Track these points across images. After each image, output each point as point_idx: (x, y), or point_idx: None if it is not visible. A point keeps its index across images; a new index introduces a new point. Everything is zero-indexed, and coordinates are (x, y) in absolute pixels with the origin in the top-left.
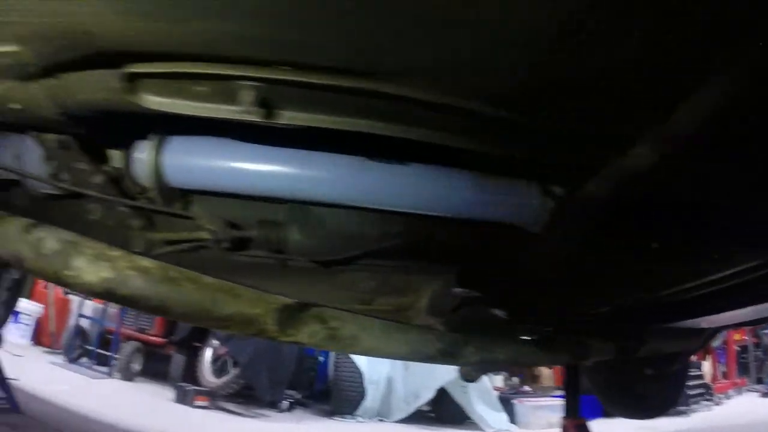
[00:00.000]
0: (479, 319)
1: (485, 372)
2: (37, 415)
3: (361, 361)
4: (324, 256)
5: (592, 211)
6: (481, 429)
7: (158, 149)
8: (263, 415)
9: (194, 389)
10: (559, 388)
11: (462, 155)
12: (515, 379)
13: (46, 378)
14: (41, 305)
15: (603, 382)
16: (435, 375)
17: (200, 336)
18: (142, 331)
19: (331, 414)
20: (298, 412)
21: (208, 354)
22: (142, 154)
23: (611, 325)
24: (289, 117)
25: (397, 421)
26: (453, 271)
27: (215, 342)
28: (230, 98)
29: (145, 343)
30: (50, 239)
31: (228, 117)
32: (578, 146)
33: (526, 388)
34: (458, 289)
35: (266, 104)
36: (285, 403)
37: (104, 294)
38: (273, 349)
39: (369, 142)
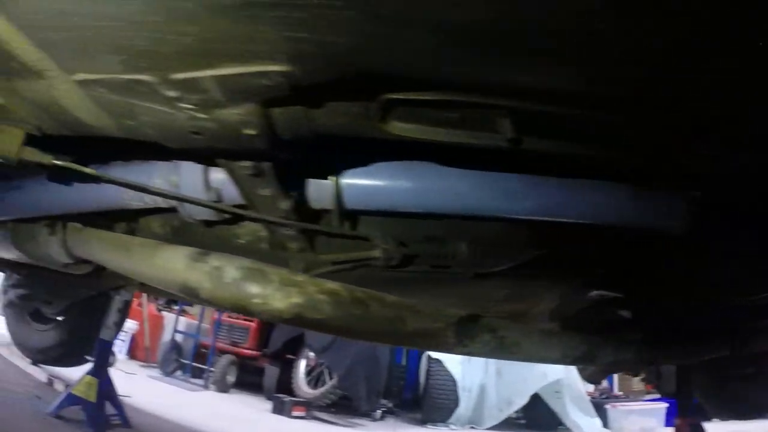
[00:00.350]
0: (607, 320)
1: (610, 373)
2: (147, 429)
3: (453, 368)
4: (483, 268)
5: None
6: None
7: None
8: (358, 425)
9: (291, 400)
10: (650, 392)
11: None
12: (605, 384)
13: (147, 391)
14: (136, 321)
15: (704, 381)
16: (528, 381)
17: (293, 349)
18: (235, 344)
19: (423, 422)
20: (391, 421)
21: (302, 366)
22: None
23: (724, 323)
24: (528, 142)
25: (488, 428)
26: (584, 275)
27: (310, 354)
28: (485, 126)
29: (239, 356)
30: (229, 268)
31: (481, 144)
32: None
33: (617, 392)
34: (594, 292)
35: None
36: (378, 413)
37: (293, 319)
38: (369, 358)
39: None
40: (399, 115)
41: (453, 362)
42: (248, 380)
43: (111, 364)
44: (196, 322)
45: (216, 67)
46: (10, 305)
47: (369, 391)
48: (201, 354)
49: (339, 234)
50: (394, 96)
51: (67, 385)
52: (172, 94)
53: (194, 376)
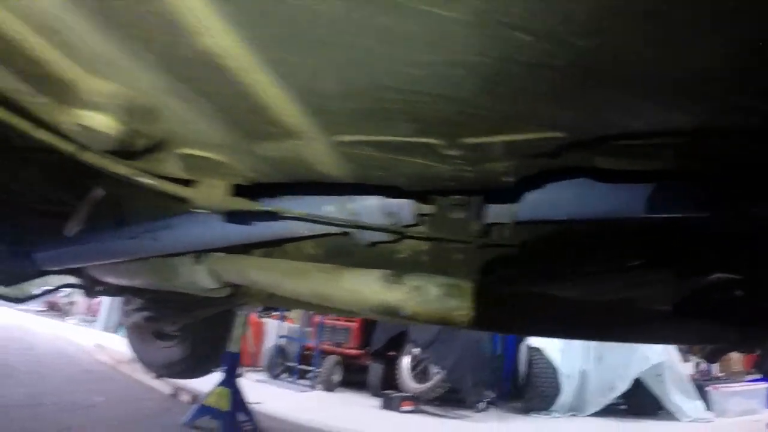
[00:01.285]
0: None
1: (724, 354)
2: (273, 430)
3: (553, 355)
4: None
5: None
6: (676, 419)
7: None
8: (465, 416)
9: (400, 395)
10: (749, 373)
11: None
12: (704, 366)
13: (258, 395)
14: None
15: None
16: (630, 365)
17: (396, 346)
18: (339, 345)
19: (525, 411)
20: (493, 412)
21: (406, 362)
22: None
23: None
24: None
25: (590, 415)
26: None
27: (414, 350)
28: (658, 155)
29: (342, 355)
30: (430, 286)
31: (648, 168)
32: None
33: (718, 373)
34: (715, 276)
35: None
36: (482, 404)
37: (486, 325)
38: (473, 350)
39: None
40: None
41: (553, 349)
42: (352, 379)
43: (240, 375)
44: (296, 326)
45: (506, 134)
46: (135, 327)
47: (475, 383)
48: (304, 356)
49: (508, 245)
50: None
51: (194, 396)
52: (453, 153)
53: (300, 378)
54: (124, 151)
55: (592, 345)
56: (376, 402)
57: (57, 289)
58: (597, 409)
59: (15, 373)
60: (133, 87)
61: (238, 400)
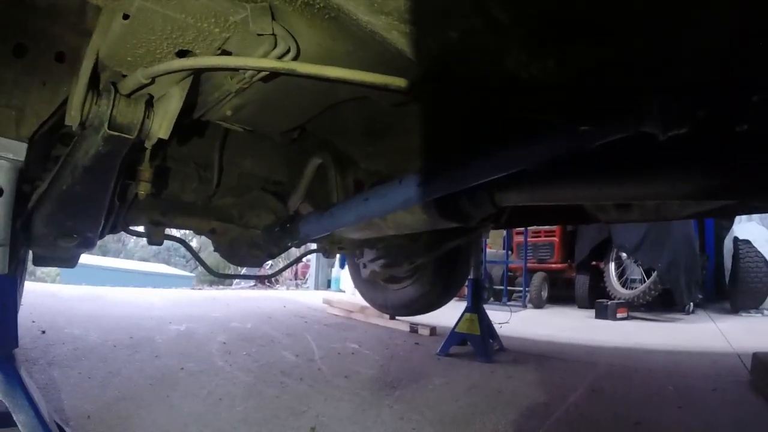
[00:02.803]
0: None
1: None
2: (521, 349)
3: (763, 248)
4: None
5: None
6: None
7: None
8: (677, 319)
9: (615, 303)
10: None
11: None
12: None
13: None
14: None
15: None
16: None
17: (600, 254)
18: (542, 261)
19: (735, 311)
20: (701, 313)
21: (612, 269)
22: None
23: None
24: None
25: None
26: None
27: (622, 255)
28: None
29: (547, 271)
30: None
31: None
32: None
33: None
34: None
35: None
36: (690, 306)
37: None
38: (685, 248)
39: None
40: None
41: (762, 242)
42: (558, 294)
43: (486, 300)
44: (493, 250)
45: None
46: (370, 276)
47: (688, 283)
48: (510, 277)
49: None
50: None
51: (431, 329)
52: None
53: (509, 300)
54: None
55: None
56: (587, 313)
57: (301, 257)
58: None
59: (277, 331)
60: None
61: (485, 324)
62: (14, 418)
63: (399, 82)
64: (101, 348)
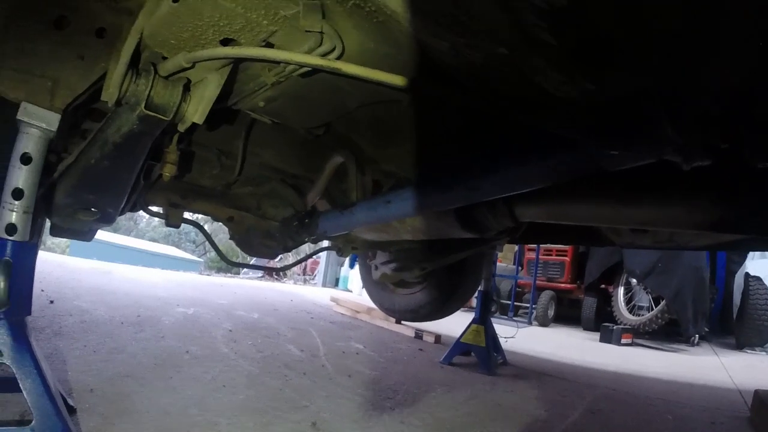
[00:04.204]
0: None
1: None
2: (523, 365)
3: None
4: None
5: None
6: None
7: None
8: (681, 350)
9: (620, 328)
10: None
11: None
12: None
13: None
14: None
15: None
16: None
17: (610, 278)
18: (552, 280)
19: (739, 347)
20: (705, 346)
21: (620, 294)
22: None
23: None
24: None
25: None
26: None
27: (632, 280)
28: None
29: (556, 290)
30: None
31: None
32: None
33: None
34: None
35: None
36: (695, 338)
37: None
38: (695, 279)
39: None
40: None
41: None
42: (565, 313)
43: (493, 313)
44: (504, 264)
45: None
46: (381, 278)
47: (696, 314)
48: (517, 293)
49: None
50: None
51: (436, 336)
52: None
53: (515, 315)
54: None
55: None
56: (592, 335)
57: (314, 254)
58: None
59: (283, 324)
60: None
61: (491, 336)
62: (20, 385)
63: (397, 80)
64: (108, 323)
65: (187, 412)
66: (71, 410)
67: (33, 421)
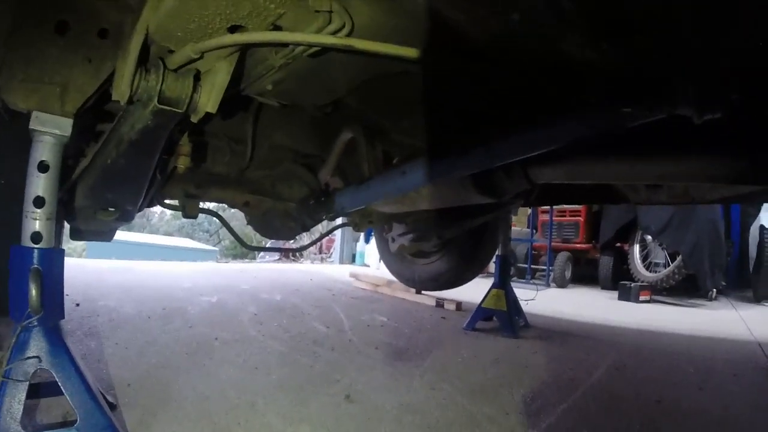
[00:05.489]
0: None
1: None
2: (545, 326)
3: None
4: None
5: None
6: None
7: None
8: (699, 305)
9: (638, 285)
10: None
11: None
12: None
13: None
14: None
15: None
16: None
17: (625, 236)
18: (567, 241)
19: (757, 300)
20: (723, 300)
21: (637, 251)
22: None
23: None
24: None
25: None
26: None
27: (647, 237)
28: None
29: (572, 251)
30: None
31: None
32: None
33: None
34: None
35: None
36: (713, 292)
37: None
38: (711, 233)
39: None
40: None
41: None
42: (581, 273)
43: (512, 277)
44: (518, 228)
45: None
46: (399, 250)
47: (712, 268)
48: (534, 256)
49: None
50: None
51: (457, 304)
52: None
53: (532, 278)
54: None
55: None
56: (610, 294)
57: (329, 232)
58: None
59: (306, 303)
60: None
61: (512, 300)
62: (62, 388)
63: (410, 52)
64: (135, 319)
65: (225, 395)
66: (112, 407)
67: (77, 421)
